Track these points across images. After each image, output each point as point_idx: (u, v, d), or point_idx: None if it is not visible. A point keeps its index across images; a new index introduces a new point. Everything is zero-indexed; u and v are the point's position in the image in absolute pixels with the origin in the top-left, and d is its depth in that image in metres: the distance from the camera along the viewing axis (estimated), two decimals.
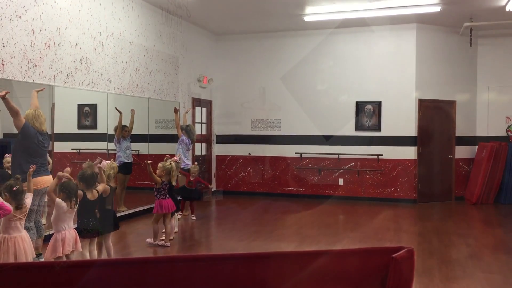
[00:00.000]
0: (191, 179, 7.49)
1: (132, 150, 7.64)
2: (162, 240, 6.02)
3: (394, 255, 1.74)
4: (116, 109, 7.35)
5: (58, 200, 4.26)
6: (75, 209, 4.39)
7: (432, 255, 5.60)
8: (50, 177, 5.07)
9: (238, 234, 6.64)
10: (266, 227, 7.17)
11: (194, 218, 7.56)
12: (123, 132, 7.42)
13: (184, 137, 7.73)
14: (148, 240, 6.04)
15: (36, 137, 4.93)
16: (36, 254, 4.71)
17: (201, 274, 1.67)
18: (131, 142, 7.62)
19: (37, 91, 5.40)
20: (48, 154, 5.26)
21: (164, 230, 6.05)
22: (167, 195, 6.01)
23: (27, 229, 4.63)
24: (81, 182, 4.58)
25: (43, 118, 5.06)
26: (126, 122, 7.58)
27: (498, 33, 9.66)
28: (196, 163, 8.11)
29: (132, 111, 7.67)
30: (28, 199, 4.27)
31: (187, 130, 7.83)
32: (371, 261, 1.80)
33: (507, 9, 7.84)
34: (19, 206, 4.13)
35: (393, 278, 1.74)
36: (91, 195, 4.61)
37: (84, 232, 4.57)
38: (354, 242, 6.32)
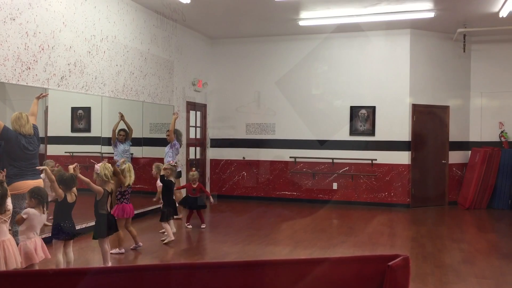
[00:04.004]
0: (194, 186, 7.27)
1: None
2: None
3: (389, 263, 1.75)
4: (120, 113, 7.48)
5: (31, 210, 4.24)
6: (46, 215, 4.36)
7: (426, 259, 5.62)
8: (38, 181, 4.93)
9: (232, 238, 6.63)
10: (260, 231, 7.16)
11: (203, 226, 7.30)
12: (118, 136, 7.45)
13: (176, 141, 7.77)
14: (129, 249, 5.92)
15: (16, 141, 4.81)
16: None
17: (197, 282, 1.67)
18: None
19: (38, 98, 5.33)
20: (37, 157, 5.08)
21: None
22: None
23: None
24: (60, 184, 4.59)
25: (24, 120, 4.87)
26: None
27: (491, 39, 9.73)
28: (193, 168, 7.97)
29: (119, 114, 7.58)
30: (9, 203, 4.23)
31: (178, 134, 7.95)
32: (366, 269, 1.80)
33: (500, 16, 7.91)
34: (1, 210, 4.08)
35: (389, 286, 1.75)
36: (70, 198, 4.64)
37: (60, 234, 4.57)
38: (348, 246, 6.33)
